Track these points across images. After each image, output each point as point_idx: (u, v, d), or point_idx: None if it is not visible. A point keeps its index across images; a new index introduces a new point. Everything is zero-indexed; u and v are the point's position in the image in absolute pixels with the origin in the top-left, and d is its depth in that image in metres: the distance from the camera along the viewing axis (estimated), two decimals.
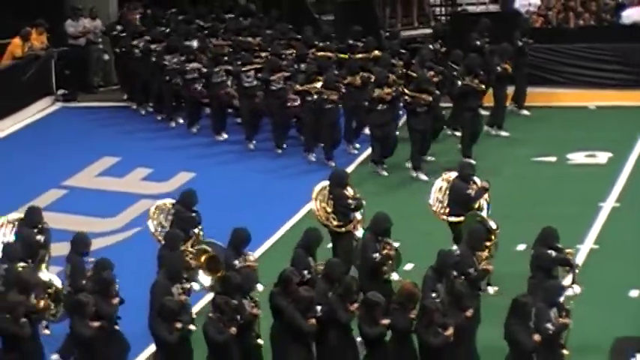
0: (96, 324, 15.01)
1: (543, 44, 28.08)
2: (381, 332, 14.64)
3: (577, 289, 16.16)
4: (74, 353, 15.71)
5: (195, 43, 28.21)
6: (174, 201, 19.03)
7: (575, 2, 31.59)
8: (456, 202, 18.81)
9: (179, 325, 14.83)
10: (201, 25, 30.15)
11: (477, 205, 18.62)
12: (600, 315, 15.68)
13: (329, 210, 18.74)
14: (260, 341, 15.51)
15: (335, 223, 18.69)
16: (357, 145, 25.80)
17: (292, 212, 22.14)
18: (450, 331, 14.25)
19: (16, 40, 29.88)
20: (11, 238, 18.26)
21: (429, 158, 24.24)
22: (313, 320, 14.80)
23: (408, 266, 18.24)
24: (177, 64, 27.39)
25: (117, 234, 21.78)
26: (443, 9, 32.83)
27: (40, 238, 18.10)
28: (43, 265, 17.91)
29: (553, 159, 24.33)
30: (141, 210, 22.46)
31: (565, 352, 14.43)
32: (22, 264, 17.00)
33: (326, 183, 18.99)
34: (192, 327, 15.15)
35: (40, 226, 18.28)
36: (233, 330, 14.72)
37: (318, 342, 15.18)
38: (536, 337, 14.10)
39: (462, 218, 18.42)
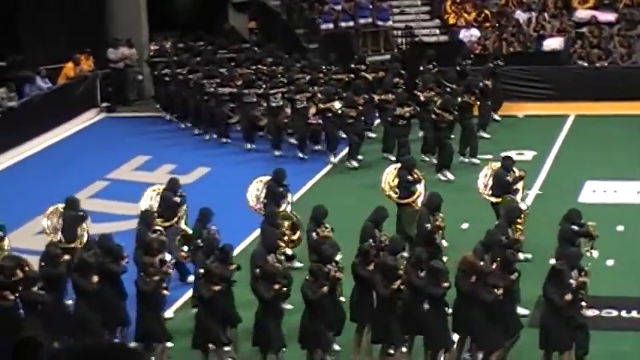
0: (217, 287, 14.81)
1: (481, 66, 28.08)
2: (443, 292, 14.52)
3: (595, 253, 16.19)
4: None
5: (224, 71, 27.85)
6: (269, 177, 19.11)
7: (507, 34, 31.66)
8: (498, 186, 18.91)
9: (277, 286, 14.65)
10: (228, 56, 29.89)
11: (514, 189, 18.87)
12: (530, 277, 15.68)
13: (392, 185, 18.94)
14: (342, 299, 15.43)
15: (395, 196, 18.85)
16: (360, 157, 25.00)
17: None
18: (500, 290, 14.16)
19: (69, 64, 30.04)
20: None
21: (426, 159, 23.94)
22: (395, 285, 14.55)
23: None
24: (213, 87, 27.16)
25: None
26: (403, 39, 32.79)
27: (178, 200, 18.21)
28: (182, 221, 18.09)
29: (490, 156, 24.33)
30: None
31: (584, 304, 14.43)
32: (157, 227, 17.09)
33: (397, 165, 19.44)
34: (284, 289, 14.90)
35: (179, 192, 18.37)
36: (325, 290, 14.54)
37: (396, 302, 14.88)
38: (568, 296, 14.08)
39: (501, 199, 18.56)
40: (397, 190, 18.91)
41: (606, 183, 22.45)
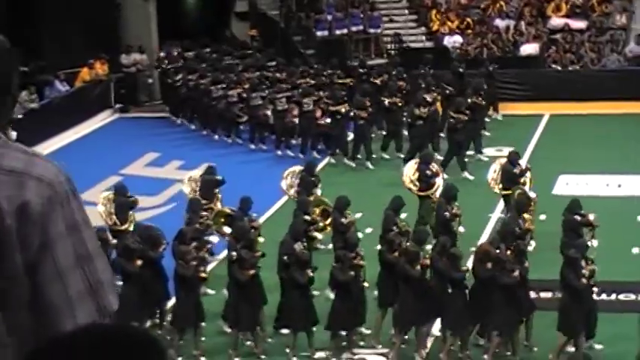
0: (251, 272, 14.95)
1: (465, 70, 28.08)
2: (463, 276, 14.63)
3: (595, 242, 16.11)
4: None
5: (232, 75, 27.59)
6: (302, 168, 19.35)
7: (487, 40, 31.69)
8: (506, 180, 18.93)
9: (309, 271, 14.79)
10: (232, 62, 29.58)
11: (522, 181, 18.82)
12: None
13: (413, 178, 18.90)
14: (365, 284, 15.28)
15: (414, 188, 18.83)
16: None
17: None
18: (516, 273, 14.27)
19: (85, 69, 30.07)
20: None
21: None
22: (418, 267, 14.62)
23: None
24: (221, 91, 27.00)
25: (159, 208, 21.71)
26: (393, 45, 32.82)
27: (220, 178, 18.64)
28: (218, 203, 18.36)
29: (471, 152, 24.36)
30: (176, 190, 22.40)
31: (595, 289, 14.49)
32: (204, 213, 17.25)
33: (417, 160, 19.40)
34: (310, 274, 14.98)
35: (217, 176, 18.76)
36: (350, 274, 14.68)
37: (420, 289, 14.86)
38: (584, 280, 14.11)
39: (510, 192, 18.50)
40: (417, 182, 18.90)
41: (578, 177, 22.50)
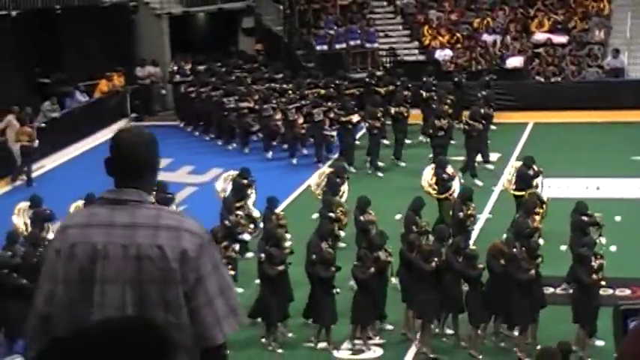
0: (281, 267, 15.08)
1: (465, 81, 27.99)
2: (480, 274, 14.65)
3: (603, 240, 16.16)
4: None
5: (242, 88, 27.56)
6: (330, 170, 19.46)
7: (475, 53, 31.76)
8: (521, 181, 18.92)
9: (333, 269, 14.88)
10: (241, 75, 29.49)
11: (534, 183, 18.86)
12: None
13: (431, 182, 18.93)
14: (394, 279, 15.40)
15: (432, 191, 18.87)
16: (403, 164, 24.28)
17: (293, 188, 22.20)
18: (532, 272, 14.30)
19: (103, 81, 30.22)
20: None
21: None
22: (433, 264, 14.57)
23: None
24: (233, 103, 27.02)
25: None
26: (388, 58, 32.89)
27: (246, 183, 18.72)
28: (250, 201, 18.51)
29: (463, 158, 24.36)
30: (187, 194, 22.46)
31: (603, 283, 14.52)
32: (238, 212, 17.54)
33: (432, 165, 19.42)
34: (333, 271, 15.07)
35: (248, 178, 18.91)
36: (371, 271, 14.73)
37: (437, 284, 14.79)
38: (594, 276, 14.15)
39: (523, 193, 18.56)
40: (435, 186, 18.99)
41: (560, 180, 22.44)
